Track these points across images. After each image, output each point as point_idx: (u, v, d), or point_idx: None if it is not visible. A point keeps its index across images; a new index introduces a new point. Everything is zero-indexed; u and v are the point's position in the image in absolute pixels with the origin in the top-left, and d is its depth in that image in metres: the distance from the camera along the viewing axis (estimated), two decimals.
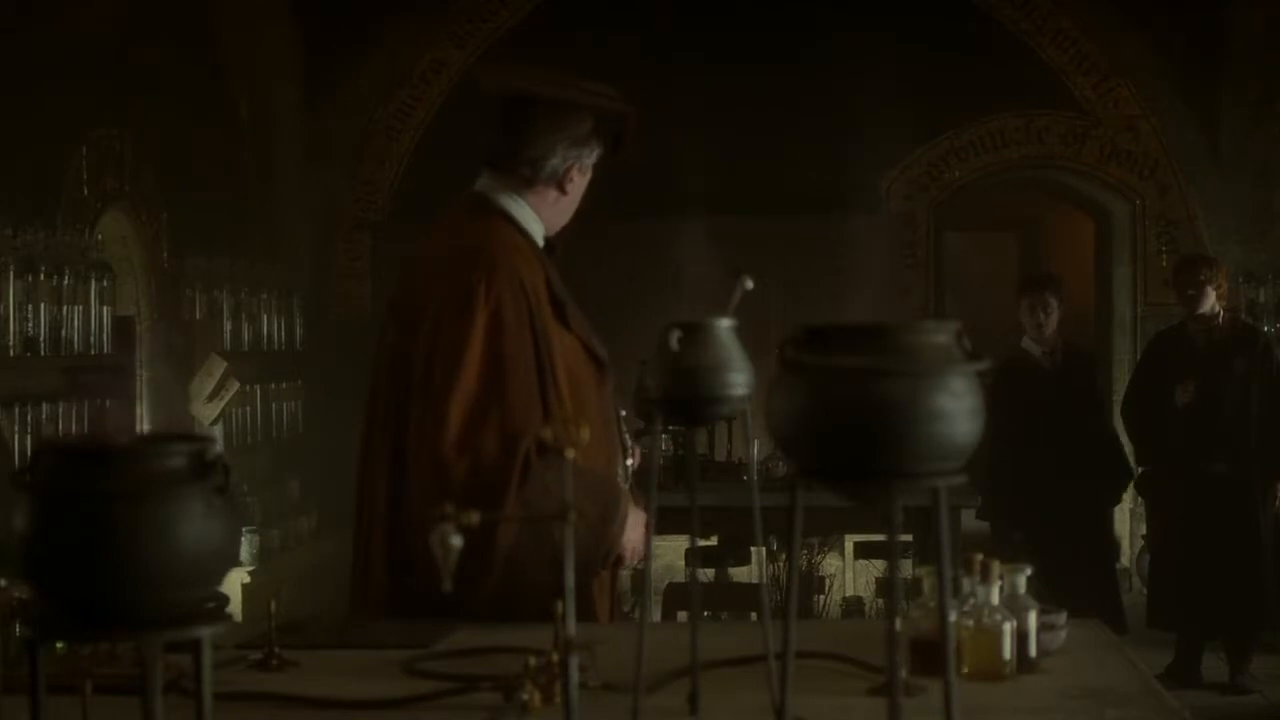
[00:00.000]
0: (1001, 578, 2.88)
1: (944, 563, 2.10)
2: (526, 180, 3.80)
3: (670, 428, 3.71)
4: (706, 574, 8.33)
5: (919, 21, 11.09)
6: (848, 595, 10.12)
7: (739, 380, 2.37)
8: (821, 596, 9.42)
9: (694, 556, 2.75)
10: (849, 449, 2.01)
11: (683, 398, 2.38)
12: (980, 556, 2.85)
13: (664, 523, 2.87)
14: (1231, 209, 11.33)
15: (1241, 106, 11.16)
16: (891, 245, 11.44)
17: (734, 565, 8.55)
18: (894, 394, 1.98)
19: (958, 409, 2.01)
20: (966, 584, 2.88)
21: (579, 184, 3.86)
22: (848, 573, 10.52)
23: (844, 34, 11.07)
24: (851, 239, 11.18)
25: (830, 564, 9.87)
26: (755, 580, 8.30)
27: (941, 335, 2.05)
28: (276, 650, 3.02)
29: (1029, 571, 2.95)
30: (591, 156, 3.85)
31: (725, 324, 2.39)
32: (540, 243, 3.82)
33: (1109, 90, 11.45)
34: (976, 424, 2.03)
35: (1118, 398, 9.44)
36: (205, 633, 1.92)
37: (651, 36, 11.12)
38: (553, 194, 3.83)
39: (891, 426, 1.98)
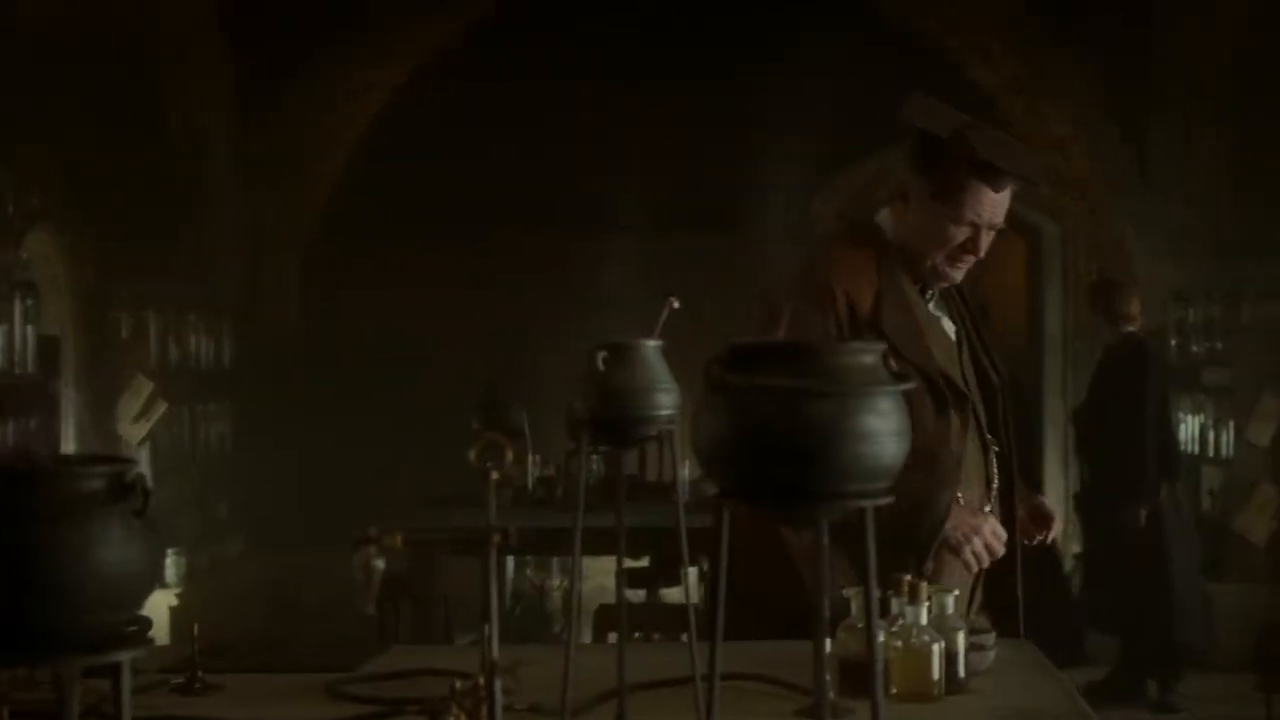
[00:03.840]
0: (930, 598, 2.88)
1: (871, 583, 2.09)
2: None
3: (600, 449, 3.70)
4: (638, 595, 8.31)
5: (850, 42, 11.12)
6: None
7: (666, 401, 2.36)
8: None
9: (620, 578, 2.73)
10: (775, 469, 2.00)
11: (609, 419, 2.37)
12: (908, 577, 2.85)
13: (594, 544, 2.86)
14: (1162, 229, 11.39)
15: (1170, 127, 11.23)
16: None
17: (666, 586, 8.53)
18: (820, 414, 1.97)
19: (884, 429, 2.01)
20: (895, 604, 2.88)
21: (914, 207, 3.78)
22: None
23: (776, 54, 11.11)
24: (782, 258, 11.19)
25: None
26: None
27: (868, 356, 2.05)
28: (200, 674, 2.98)
29: (956, 593, 2.95)
30: (922, 187, 3.77)
31: (652, 344, 2.38)
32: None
33: (1038, 111, 11.50)
34: (903, 444, 2.03)
35: (1049, 418, 9.53)
36: (125, 657, 1.89)
37: (584, 55, 11.11)
38: (899, 205, 3.82)
39: (818, 447, 1.98)
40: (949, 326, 3.87)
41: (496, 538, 2.07)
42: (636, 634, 6.03)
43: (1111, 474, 8.72)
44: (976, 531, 3.64)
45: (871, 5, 11.32)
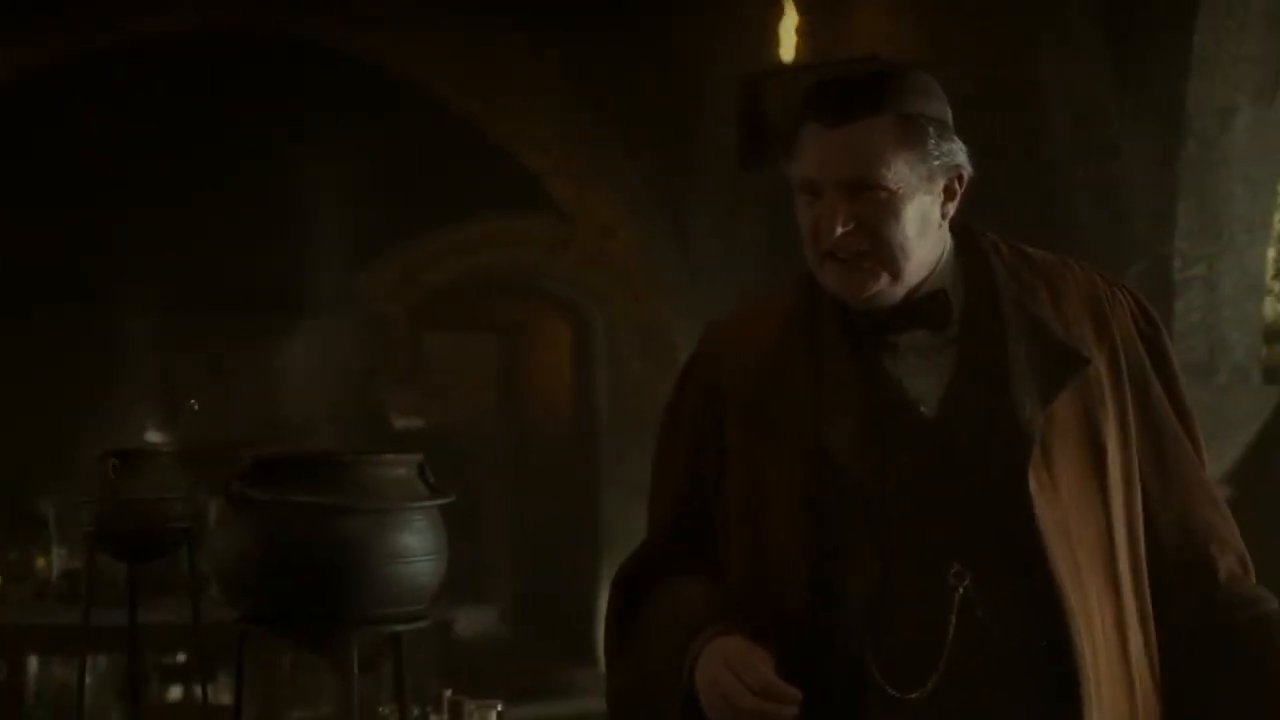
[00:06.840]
0: (472, 714, 2.76)
1: (405, 708, 1.97)
2: None
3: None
4: (177, 691, 8.07)
5: (399, 122, 11.00)
6: None
7: (182, 512, 2.19)
8: None
9: (135, 680, 2.54)
10: (300, 593, 1.84)
11: (120, 531, 2.19)
12: (449, 693, 2.73)
13: (111, 642, 2.65)
14: (702, 319, 11.55)
15: (715, 217, 11.42)
16: (368, 349, 11.29)
17: (204, 682, 8.27)
18: (349, 532, 1.82)
19: (420, 547, 1.86)
20: None
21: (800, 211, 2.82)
22: None
23: (318, 129, 10.85)
24: (323, 343, 10.92)
25: None
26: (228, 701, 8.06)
27: (402, 468, 1.90)
28: None
29: (500, 707, 2.83)
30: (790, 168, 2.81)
31: (168, 451, 2.21)
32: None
33: (588, 197, 11.58)
34: (441, 564, 1.90)
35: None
36: None
37: (111, 127, 10.64)
38: None
39: (346, 567, 1.82)
40: (928, 387, 2.64)
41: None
42: None
43: None
44: (715, 684, 2.45)
45: (422, 87, 11.25)
